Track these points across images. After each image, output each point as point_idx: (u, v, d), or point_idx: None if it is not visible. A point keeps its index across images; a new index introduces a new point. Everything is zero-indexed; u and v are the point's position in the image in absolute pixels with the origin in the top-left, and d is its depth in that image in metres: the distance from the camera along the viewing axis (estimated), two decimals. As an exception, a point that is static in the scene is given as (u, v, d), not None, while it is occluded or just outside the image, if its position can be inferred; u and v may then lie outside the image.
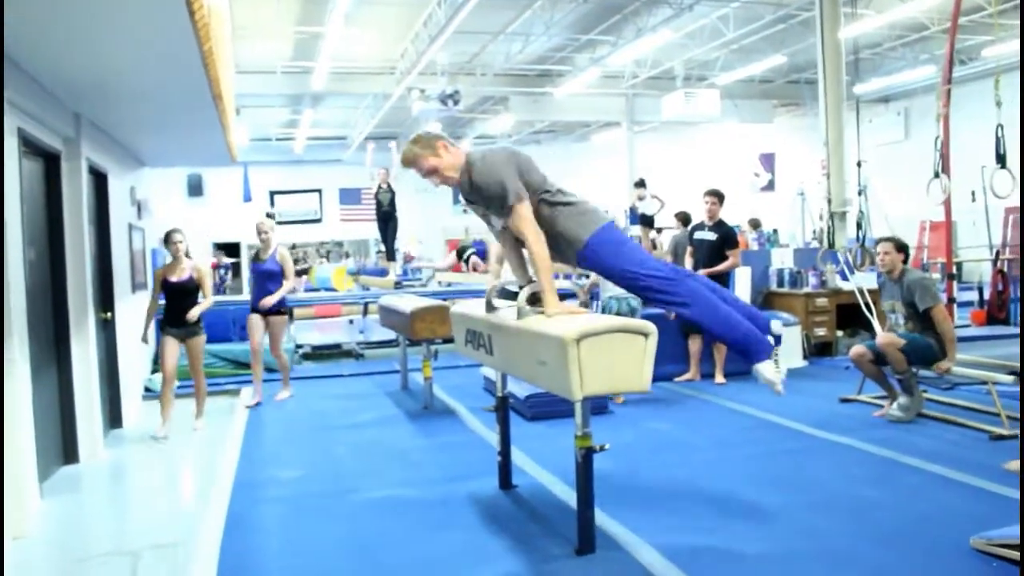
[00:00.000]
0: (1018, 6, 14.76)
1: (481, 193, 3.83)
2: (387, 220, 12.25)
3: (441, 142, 3.90)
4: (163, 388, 6.75)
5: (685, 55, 17.93)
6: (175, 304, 6.75)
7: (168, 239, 6.82)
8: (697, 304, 3.75)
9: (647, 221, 14.19)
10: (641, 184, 14.44)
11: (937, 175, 8.81)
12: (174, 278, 6.73)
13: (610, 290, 7.22)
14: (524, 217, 3.73)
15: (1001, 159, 8.40)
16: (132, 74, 5.03)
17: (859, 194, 9.48)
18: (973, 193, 9.33)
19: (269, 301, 7.65)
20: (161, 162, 9.90)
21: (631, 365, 3.27)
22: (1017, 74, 16.05)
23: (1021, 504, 3.56)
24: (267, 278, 7.73)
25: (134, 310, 7.56)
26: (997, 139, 8.32)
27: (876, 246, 6.51)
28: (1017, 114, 9.92)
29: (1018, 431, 5.08)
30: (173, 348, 6.75)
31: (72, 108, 5.77)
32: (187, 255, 6.83)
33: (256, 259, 7.83)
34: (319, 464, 5.63)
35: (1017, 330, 9.80)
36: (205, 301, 6.83)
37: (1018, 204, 16.51)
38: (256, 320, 7.73)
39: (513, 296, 3.92)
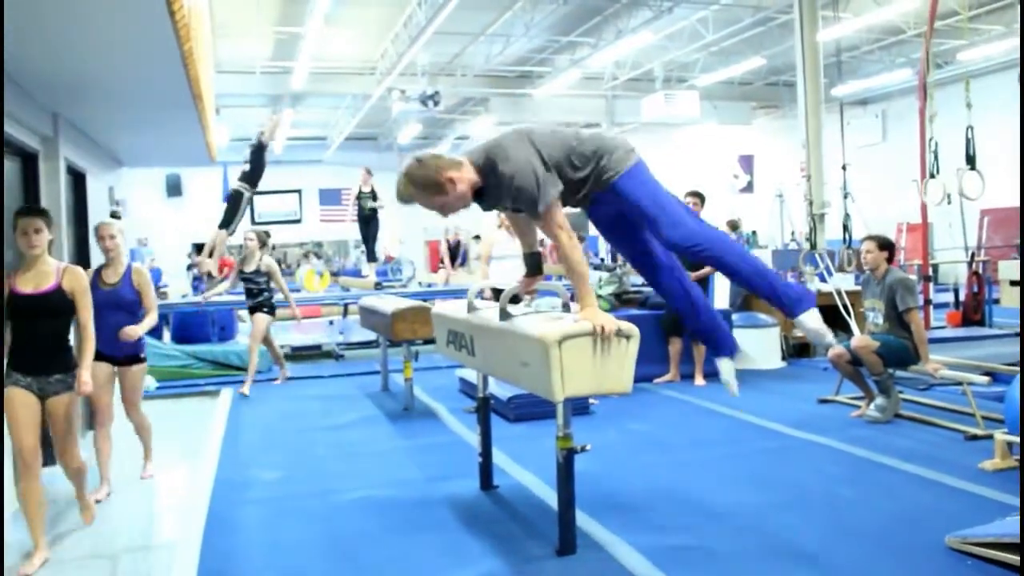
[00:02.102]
0: (992, 12, 15.00)
1: (505, 198, 3.44)
2: (368, 222, 12.22)
3: (448, 175, 3.32)
4: (24, 484, 3.98)
5: (665, 57, 18.02)
6: (27, 333, 4.03)
7: (17, 224, 4.12)
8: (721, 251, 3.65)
9: None
10: None
11: (932, 175, 8.86)
12: (28, 289, 4.03)
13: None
14: (557, 222, 3.39)
15: (971, 160, 8.48)
16: (111, 74, 5.01)
17: (844, 197, 9.56)
18: (948, 196, 9.43)
19: (134, 332, 4.98)
20: (140, 162, 9.86)
21: (613, 367, 3.29)
22: (991, 78, 16.37)
23: (1022, 505, 3.61)
24: (118, 309, 5.02)
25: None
26: (967, 140, 8.41)
27: (861, 245, 6.58)
28: (991, 117, 10.13)
29: (993, 432, 5.14)
30: (28, 409, 3.98)
31: (50, 107, 5.73)
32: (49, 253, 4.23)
33: (100, 282, 4.99)
34: (300, 465, 5.61)
35: (992, 331, 9.92)
36: (84, 350, 4.18)
37: (993, 206, 16.74)
38: (103, 372, 5.03)
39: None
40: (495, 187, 3.43)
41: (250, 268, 8.37)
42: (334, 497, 4.79)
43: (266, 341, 8.66)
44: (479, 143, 3.51)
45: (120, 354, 5.10)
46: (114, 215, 5.00)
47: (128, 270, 5.13)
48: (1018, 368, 6.00)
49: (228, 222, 10.36)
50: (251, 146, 10.55)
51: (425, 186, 3.32)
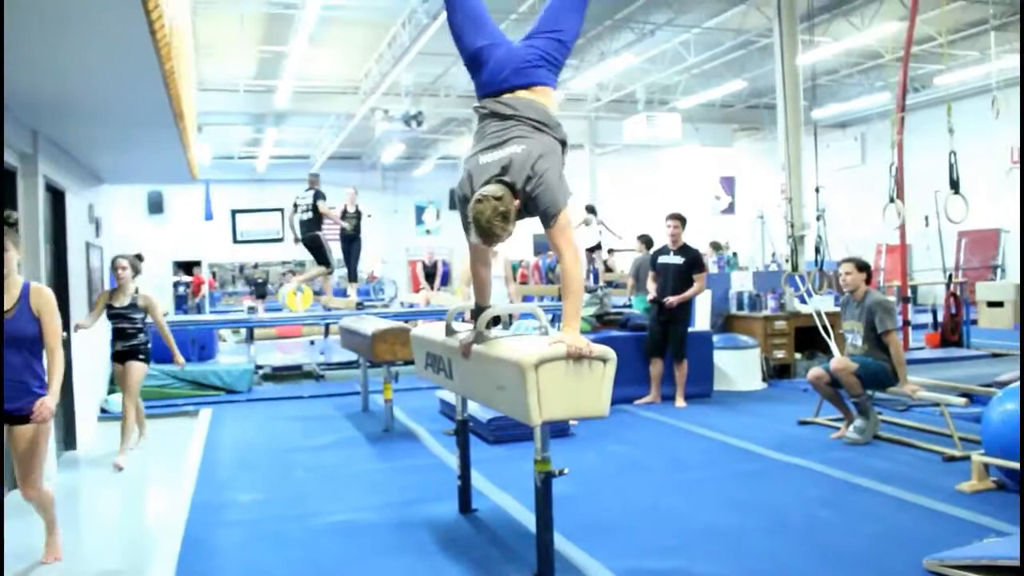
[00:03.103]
0: (966, 38, 15.22)
1: (527, 211, 3.52)
2: (351, 242, 12.15)
3: (516, 203, 3.42)
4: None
5: (647, 79, 18.16)
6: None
7: None
8: None
9: (591, 248, 14.55)
10: (590, 210, 14.64)
11: (892, 200, 8.98)
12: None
13: None
14: (568, 235, 3.49)
15: (954, 185, 8.57)
16: (92, 92, 4.99)
17: (817, 219, 9.64)
18: (927, 218, 9.52)
19: (46, 409, 3.85)
20: (120, 179, 9.79)
21: (590, 390, 3.28)
22: (967, 102, 16.62)
23: (1021, 523, 3.63)
24: (11, 347, 3.80)
25: (91, 329, 7.37)
26: (950, 165, 8.50)
27: (838, 267, 6.62)
28: (965, 141, 10.28)
29: (970, 453, 5.17)
30: None
31: (30, 125, 5.70)
32: None
33: None
34: (278, 487, 5.57)
35: (970, 352, 10.01)
36: None
37: (970, 228, 16.91)
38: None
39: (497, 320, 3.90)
40: (526, 207, 3.51)
41: (122, 303, 6.46)
42: (312, 520, 4.75)
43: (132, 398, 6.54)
44: (490, 162, 3.51)
45: (14, 408, 3.82)
46: (7, 220, 4.01)
47: (24, 292, 3.89)
48: (993, 389, 6.05)
49: (326, 262, 11.06)
50: (314, 197, 10.91)
51: (514, 219, 3.42)
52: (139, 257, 6.78)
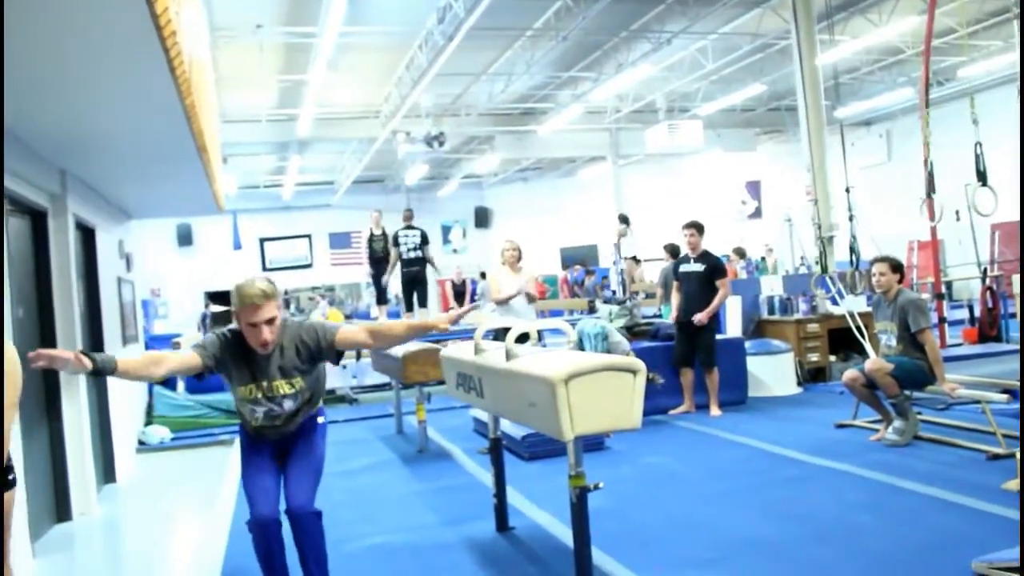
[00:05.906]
0: (988, 27, 15.05)
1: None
2: (379, 265, 12.20)
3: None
4: None
5: (666, 87, 18.12)
6: None
7: None
8: None
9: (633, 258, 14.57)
10: (623, 220, 14.65)
11: (930, 195, 8.86)
12: None
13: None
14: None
15: (982, 176, 8.45)
16: (116, 130, 5.06)
17: (850, 219, 9.53)
18: (957, 212, 9.38)
19: None
20: (149, 213, 9.92)
21: (621, 403, 3.26)
22: (994, 92, 16.39)
23: (1021, 524, 3.55)
24: None
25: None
26: (976, 157, 8.39)
27: (871, 267, 6.53)
28: (994, 131, 10.13)
29: (1015, 450, 5.07)
30: None
31: (57, 165, 5.78)
32: None
33: None
34: (315, 513, 5.56)
35: (1010, 347, 9.82)
36: None
37: (1004, 220, 16.64)
38: None
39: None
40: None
41: None
42: (348, 545, 4.75)
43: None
44: None
45: None
46: None
47: None
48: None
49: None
50: (423, 240, 11.32)
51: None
52: None
